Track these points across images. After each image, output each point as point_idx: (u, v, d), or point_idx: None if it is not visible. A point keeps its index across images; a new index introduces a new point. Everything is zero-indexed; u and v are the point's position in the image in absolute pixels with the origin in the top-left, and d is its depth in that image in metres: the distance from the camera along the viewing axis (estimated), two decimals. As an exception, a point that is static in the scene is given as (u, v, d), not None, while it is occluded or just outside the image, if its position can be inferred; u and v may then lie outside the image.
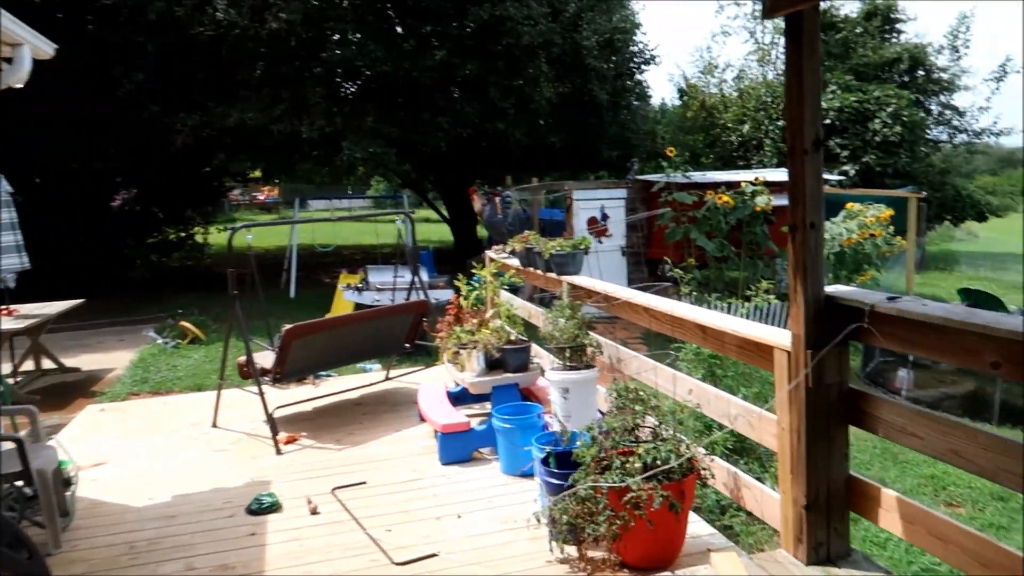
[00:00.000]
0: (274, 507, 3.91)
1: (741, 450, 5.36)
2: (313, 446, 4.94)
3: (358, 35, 14.54)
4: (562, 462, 3.33)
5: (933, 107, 21.30)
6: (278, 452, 4.80)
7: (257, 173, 21.07)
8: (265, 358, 5.49)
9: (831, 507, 2.72)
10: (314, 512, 3.84)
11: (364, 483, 4.20)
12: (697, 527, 3.44)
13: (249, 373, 5.24)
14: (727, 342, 3.23)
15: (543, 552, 3.21)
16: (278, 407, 5.30)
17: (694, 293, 7.74)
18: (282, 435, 5.01)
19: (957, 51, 21.14)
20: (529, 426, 4.09)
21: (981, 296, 11.01)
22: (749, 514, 3.91)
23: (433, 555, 3.31)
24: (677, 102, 24.73)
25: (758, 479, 5.12)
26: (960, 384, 8.56)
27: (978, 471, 2.22)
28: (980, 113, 21.43)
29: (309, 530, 3.65)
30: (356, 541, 3.50)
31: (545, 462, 3.41)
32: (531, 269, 5.67)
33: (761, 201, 10.08)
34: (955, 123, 21.60)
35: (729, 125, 21.12)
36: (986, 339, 2.12)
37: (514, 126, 15.54)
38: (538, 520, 3.12)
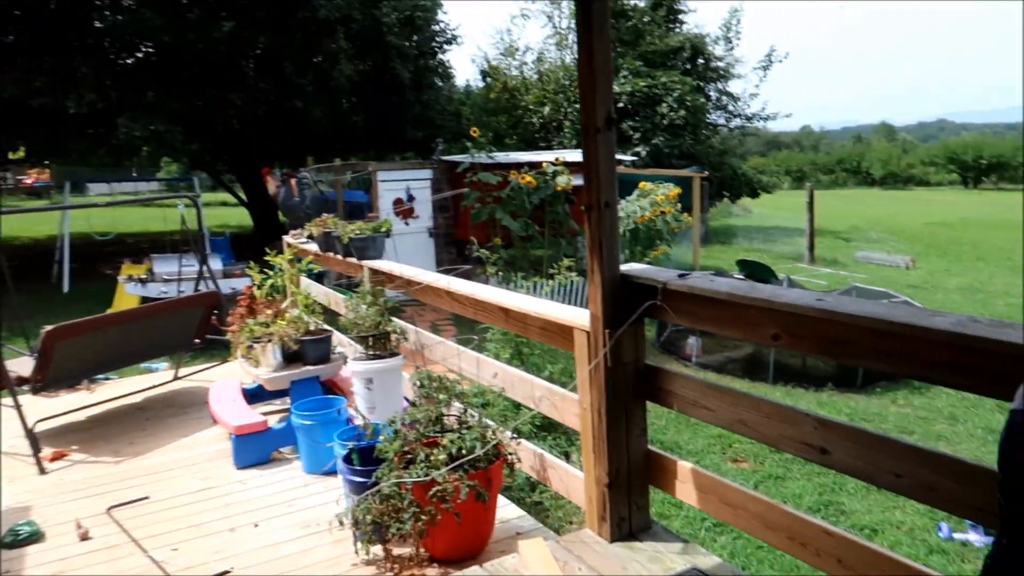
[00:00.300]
0: (34, 537, 3.39)
1: (549, 426, 5.46)
2: (86, 461, 4.38)
3: (132, 1, 13.20)
4: (367, 458, 3.16)
5: (712, 93, 23.05)
6: (41, 471, 4.20)
7: (20, 154, 18.65)
8: (23, 364, 4.80)
9: (632, 483, 2.77)
10: (85, 538, 3.38)
11: (146, 498, 3.77)
12: (506, 510, 3.41)
13: (1, 384, 4.55)
14: (530, 324, 3.21)
15: (348, 555, 3.03)
16: (42, 419, 4.65)
17: (500, 273, 7.79)
18: (47, 451, 4.40)
19: (730, 42, 23.01)
20: (331, 421, 3.86)
21: (756, 266, 12.14)
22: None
23: (225, 572, 3.02)
24: (481, 83, 24.93)
25: (565, 453, 5.25)
26: (741, 348, 9.35)
27: (762, 438, 2.33)
28: (751, 99, 23.52)
29: (78, 559, 3.21)
30: (135, 566, 3.12)
31: (348, 459, 3.23)
32: (331, 254, 5.40)
33: (562, 181, 10.36)
34: (730, 108, 23.54)
35: (531, 107, 21.63)
36: (767, 312, 2.21)
37: (313, 104, 14.88)
38: (341, 522, 2.93)
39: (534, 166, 10.73)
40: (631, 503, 2.78)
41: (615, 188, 2.73)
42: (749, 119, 23.76)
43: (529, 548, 2.57)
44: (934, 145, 68.55)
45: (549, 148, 19.15)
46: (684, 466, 2.67)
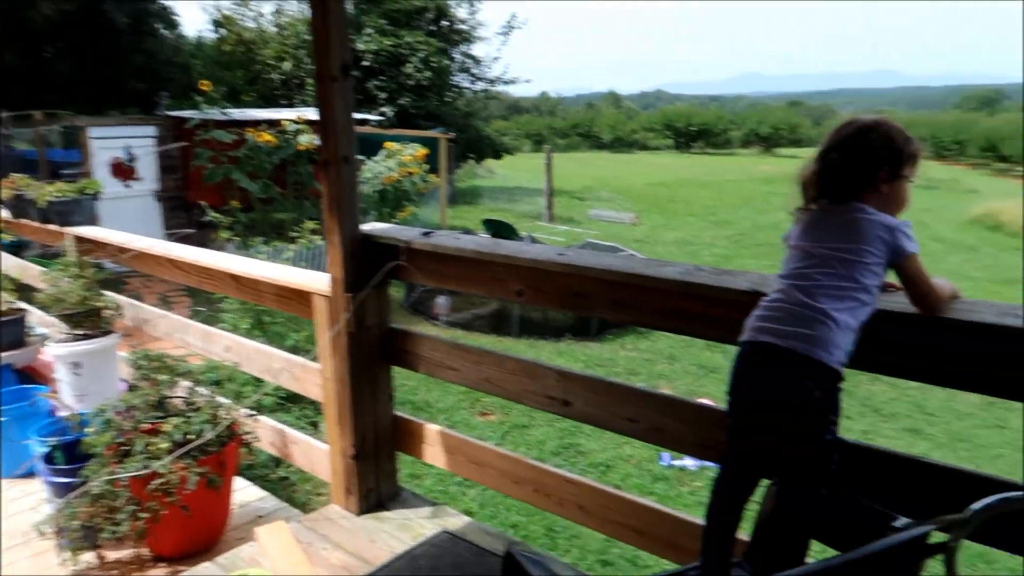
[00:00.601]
0: None
1: (295, 397, 5.20)
2: None
3: None
4: (74, 454, 2.74)
5: (456, 56, 23.24)
6: None
7: None
8: None
9: (379, 452, 2.67)
10: None
11: None
12: (247, 492, 3.15)
13: None
14: (263, 291, 2.95)
15: (52, 568, 2.61)
16: None
17: (237, 238, 7.24)
18: None
19: (473, 5, 23.29)
20: (27, 415, 3.30)
21: (500, 225, 12.57)
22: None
23: None
24: (214, 35, 22.89)
25: (313, 423, 5.03)
26: (488, 305, 9.63)
27: (507, 395, 2.33)
28: (493, 63, 24.07)
29: None
30: None
31: (49, 458, 2.77)
32: (24, 221, 4.62)
33: (304, 140, 9.89)
34: (474, 71, 23.88)
35: (270, 62, 20.32)
36: (511, 268, 2.19)
37: (2, 48, 12.72)
38: (41, 532, 2.50)
39: (274, 124, 10.10)
40: (379, 472, 2.68)
41: (353, 142, 2.56)
42: (492, 83, 24.28)
43: (268, 534, 2.37)
44: (653, 113, 75.55)
45: (291, 106, 18.15)
46: (432, 429, 2.62)
